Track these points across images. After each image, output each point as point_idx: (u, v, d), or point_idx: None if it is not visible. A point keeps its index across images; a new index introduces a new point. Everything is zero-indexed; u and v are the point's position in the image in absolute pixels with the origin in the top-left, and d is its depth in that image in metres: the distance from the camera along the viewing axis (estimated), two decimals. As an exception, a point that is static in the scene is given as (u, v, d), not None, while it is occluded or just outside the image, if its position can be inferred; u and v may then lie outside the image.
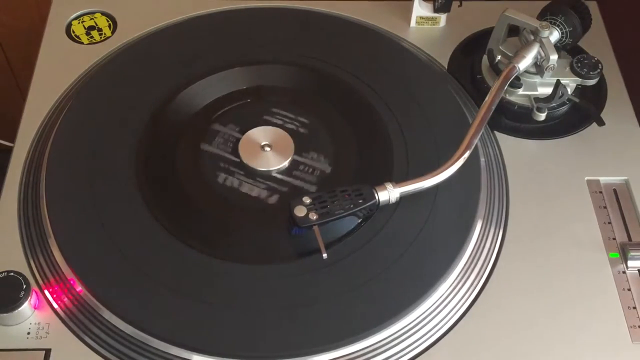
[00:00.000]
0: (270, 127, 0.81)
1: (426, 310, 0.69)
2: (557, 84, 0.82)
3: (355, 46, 0.89)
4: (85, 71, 0.87)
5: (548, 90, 0.83)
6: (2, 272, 0.67)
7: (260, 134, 0.80)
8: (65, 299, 0.68)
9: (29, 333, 0.67)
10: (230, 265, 0.69)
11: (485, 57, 0.87)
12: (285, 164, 0.78)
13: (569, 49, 0.86)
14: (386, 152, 0.79)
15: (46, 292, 0.69)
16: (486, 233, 0.74)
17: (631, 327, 0.69)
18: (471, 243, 0.73)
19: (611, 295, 0.71)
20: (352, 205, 0.70)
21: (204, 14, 0.93)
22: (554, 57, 0.80)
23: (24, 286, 0.67)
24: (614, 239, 0.75)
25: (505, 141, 0.83)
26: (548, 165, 0.81)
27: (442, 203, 0.74)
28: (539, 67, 0.82)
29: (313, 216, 0.69)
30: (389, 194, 0.71)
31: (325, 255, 0.68)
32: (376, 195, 0.71)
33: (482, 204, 0.75)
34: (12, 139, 0.81)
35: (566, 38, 0.83)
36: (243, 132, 0.80)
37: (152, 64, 0.86)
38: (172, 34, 0.90)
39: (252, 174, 0.77)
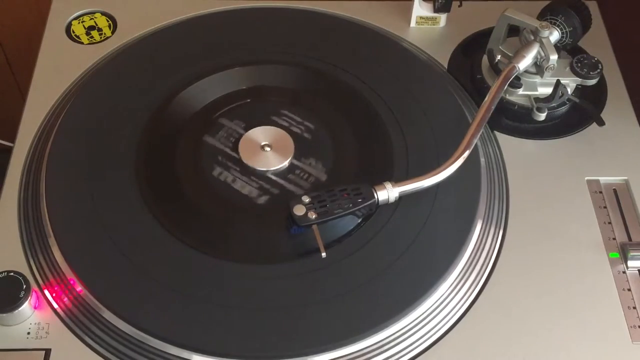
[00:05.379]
0: (270, 127, 0.81)
1: (426, 310, 0.69)
2: (557, 84, 0.82)
3: (355, 46, 0.89)
4: (85, 71, 0.87)
5: (548, 90, 0.83)
6: (2, 272, 0.67)
7: (260, 134, 0.80)
8: (65, 299, 0.68)
9: (29, 333, 0.67)
10: (230, 265, 0.70)
11: (485, 57, 0.87)
12: (285, 163, 0.78)
13: (569, 49, 0.86)
14: (386, 152, 0.79)
15: (46, 292, 0.69)
16: (486, 233, 0.74)
17: (631, 327, 0.69)
18: (471, 243, 0.73)
19: (611, 295, 0.71)
20: (351, 205, 0.70)
21: (204, 14, 0.93)
22: (554, 57, 0.80)
23: (24, 286, 0.67)
24: (614, 239, 0.75)
25: (505, 141, 0.83)
26: (548, 165, 0.81)
27: (442, 203, 0.74)
28: (539, 67, 0.82)
29: (312, 215, 0.69)
30: (388, 193, 0.71)
31: (324, 255, 0.68)
32: (375, 194, 0.71)
33: (482, 204, 0.75)
34: (12, 139, 0.81)
35: (566, 38, 0.83)
36: (243, 132, 0.80)
37: (152, 64, 0.86)
38: (172, 34, 0.90)
39: (252, 174, 0.77)
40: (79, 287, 0.68)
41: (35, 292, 0.68)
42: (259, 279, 0.69)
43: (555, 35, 0.82)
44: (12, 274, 0.67)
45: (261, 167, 0.77)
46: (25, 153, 0.80)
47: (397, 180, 0.72)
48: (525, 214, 0.77)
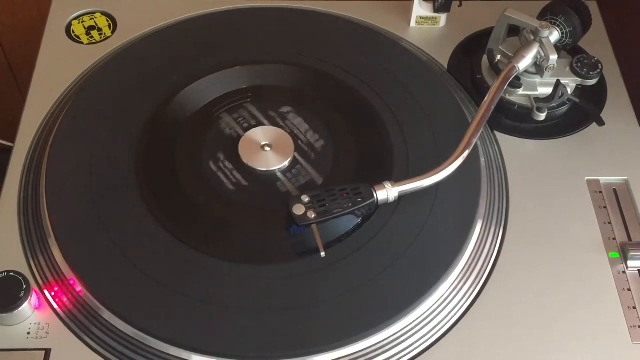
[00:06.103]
0: (270, 127, 0.81)
1: (427, 311, 0.69)
2: (557, 84, 0.82)
3: (355, 46, 0.89)
4: (85, 71, 0.87)
5: (548, 90, 0.83)
6: (2, 272, 0.67)
7: (260, 134, 0.80)
8: (65, 299, 0.68)
9: (29, 333, 0.67)
10: (230, 265, 0.70)
11: (485, 57, 0.87)
12: (285, 163, 0.78)
13: (569, 49, 0.86)
14: (386, 152, 0.79)
15: (46, 292, 0.69)
16: (486, 233, 0.74)
17: (631, 327, 0.69)
18: (471, 243, 0.73)
19: (611, 295, 0.71)
20: (350, 204, 0.70)
21: (204, 14, 0.93)
22: (554, 57, 0.80)
23: (24, 286, 0.67)
24: (614, 239, 0.75)
25: (505, 141, 0.83)
26: (548, 165, 0.81)
27: (442, 203, 0.74)
28: (539, 67, 0.82)
29: (311, 215, 0.69)
30: (387, 193, 0.71)
31: (323, 254, 0.68)
32: (375, 194, 0.71)
33: (482, 204, 0.75)
34: (12, 139, 0.81)
35: (566, 38, 0.83)
36: (243, 132, 0.80)
37: (152, 63, 0.85)
38: (172, 34, 0.90)
39: (252, 174, 0.77)
40: (79, 287, 0.68)
41: (35, 292, 0.68)
42: (258, 279, 0.69)
43: (555, 35, 0.82)
44: (12, 274, 0.67)
45: (261, 167, 0.77)
46: (25, 153, 0.80)
47: (396, 180, 0.72)
48: (525, 214, 0.77)
